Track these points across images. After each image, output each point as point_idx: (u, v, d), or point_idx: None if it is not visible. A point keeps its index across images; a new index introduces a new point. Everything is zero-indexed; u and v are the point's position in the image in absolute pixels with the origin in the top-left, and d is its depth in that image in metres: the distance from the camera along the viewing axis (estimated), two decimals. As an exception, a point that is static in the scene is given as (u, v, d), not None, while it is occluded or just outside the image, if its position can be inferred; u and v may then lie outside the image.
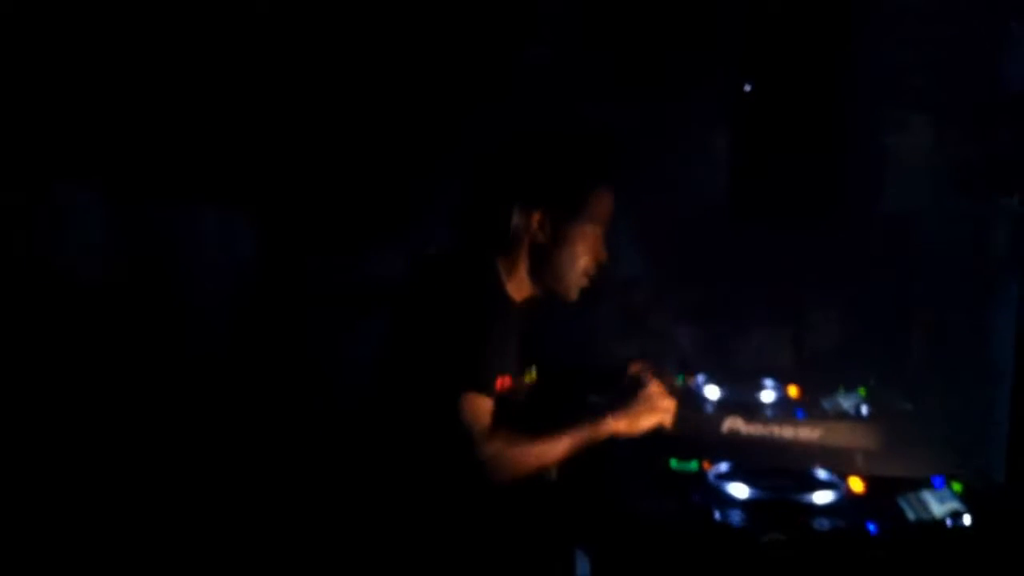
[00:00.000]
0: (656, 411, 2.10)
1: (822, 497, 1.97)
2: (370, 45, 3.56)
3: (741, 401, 2.68)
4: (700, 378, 2.83)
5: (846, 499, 2.00)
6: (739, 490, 1.97)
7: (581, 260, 2.18)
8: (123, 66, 3.42)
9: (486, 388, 2.01)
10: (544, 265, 2.18)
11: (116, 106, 3.43)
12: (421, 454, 2.01)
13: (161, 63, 3.44)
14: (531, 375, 2.28)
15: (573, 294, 2.21)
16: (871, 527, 1.88)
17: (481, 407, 2.00)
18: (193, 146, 3.47)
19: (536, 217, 2.15)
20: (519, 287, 2.21)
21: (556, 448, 2.01)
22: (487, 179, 2.23)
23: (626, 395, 2.13)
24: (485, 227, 2.19)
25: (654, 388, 2.13)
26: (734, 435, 2.56)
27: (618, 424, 2.06)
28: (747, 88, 3.62)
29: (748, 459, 2.24)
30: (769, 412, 2.62)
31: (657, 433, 2.10)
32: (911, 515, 1.94)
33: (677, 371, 2.86)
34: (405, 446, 2.04)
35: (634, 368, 2.56)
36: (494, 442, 1.96)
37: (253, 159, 3.49)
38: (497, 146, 2.26)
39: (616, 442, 2.10)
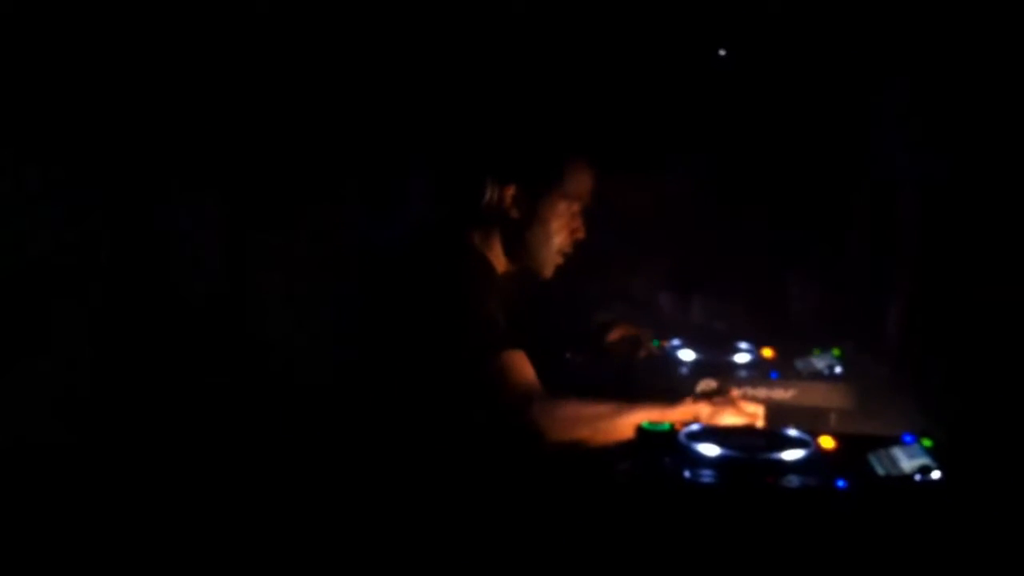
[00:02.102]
0: (741, 412, 2.12)
1: (791, 455, 1.97)
2: (351, 23, 3.53)
3: (715, 363, 2.68)
4: (675, 341, 2.84)
5: (816, 457, 2.00)
6: (709, 449, 1.98)
7: (556, 237, 2.18)
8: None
9: (516, 343, 1.98)
10: (518, 241, 2.19)
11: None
12: (455, 420, 1.98)
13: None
14: None
15: (548, 271, 2.22)
16: (840, 483, 1.89)
17: (520, 361, 1.97)
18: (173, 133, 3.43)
19: (510, 192, 2.15)
20: (497, 261, 2.21)
21: (620, 416, 1.99)
22: (463, 153, 2.23)
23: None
24: (461, 202, 2.19)
25: (742, 400, 2.15)
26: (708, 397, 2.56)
27: (699, 411, 2.07)
28: (721, 52, 3.61)
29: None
30: (743, 374, 2.63)
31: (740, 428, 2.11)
32: (880, 471, 1.95)
33: (653, 336, 2.87)
34: (436, 415, 2.01)
35: (615, 334, 2.57)
36: (555, 401, 1.94)
37: (232, 135, 3.46)
38: (474, 120, 2.27)
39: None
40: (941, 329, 2.97)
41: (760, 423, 2.14)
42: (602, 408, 1.99)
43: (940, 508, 1.84)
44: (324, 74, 3.50)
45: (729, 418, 2.10)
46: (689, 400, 2.07)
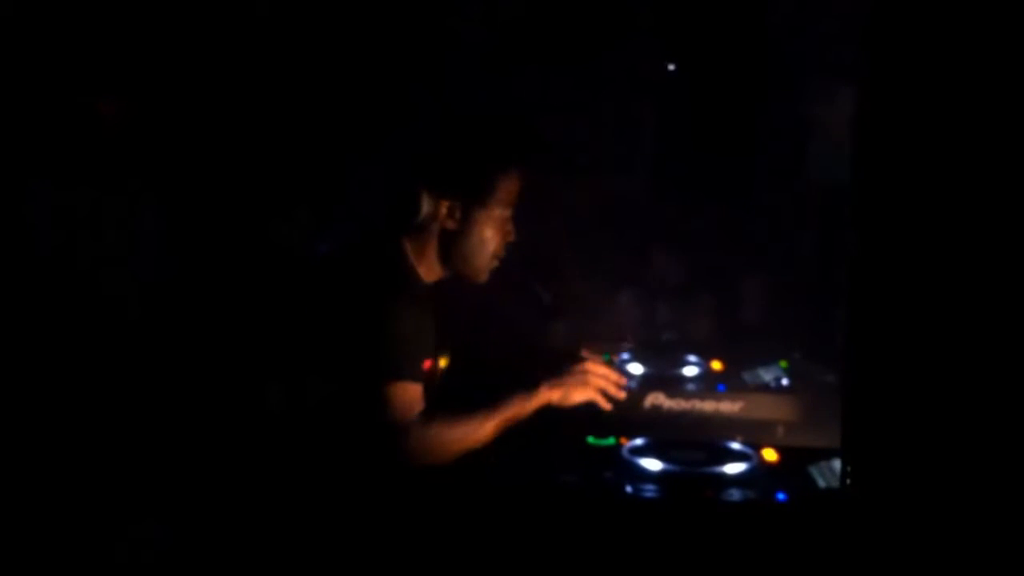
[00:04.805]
0: (588, 385, 2.15)
1: (734, 468, 1.99)
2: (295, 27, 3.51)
3: (664, 376, 2.70)
4: (624, 355, 2.85)
5: (758, 470, 2.02)
6: (651, 464, 1.99)
7: (490, 244, 2.23)
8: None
9: (411, 374, 2.03)
10: (454, 250, 2.22)
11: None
12: (348, 445, 2.01)
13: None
14: (444, 358, 2.29)
15: (483, 276, 2.25)
16: (781, 496, 1.91)
17: (409, 394, 2.02)
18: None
19: (445, 204, 2.18)
20: (430, 270, 2.24)
21: (486, 426, 2.04)
22: (400, 166, 2.26)
23: (560, 368, 2.17)
24: (397, 212, 2.21)
25: (590, 364, 2.19)
26: (656, 410, 2.58)
27: (550, 395, 2.11)
28: (671, 67, 3.63)
29: (670, 434, 2.27)
30: (691, 387, 2.64)
31: (588, 408, 2.15)
32: (821, 483, 1.97)
33: (604, 349, 2.88)
34: (332, 438, 2.03)
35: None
36: (426, 427, 1.99)
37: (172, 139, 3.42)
38: (411, 133, 2.29)
39: (537, 419, 2.13)
40: (879, 338, 2.98)
41: (613, 388, 2.17)
42: (466, 426, 2.03)
43: (876, 520, 1.85)
44: (266, 78, 3.47)
45: (579, 395, 2.13)
46: (544, 387, 2.10)
